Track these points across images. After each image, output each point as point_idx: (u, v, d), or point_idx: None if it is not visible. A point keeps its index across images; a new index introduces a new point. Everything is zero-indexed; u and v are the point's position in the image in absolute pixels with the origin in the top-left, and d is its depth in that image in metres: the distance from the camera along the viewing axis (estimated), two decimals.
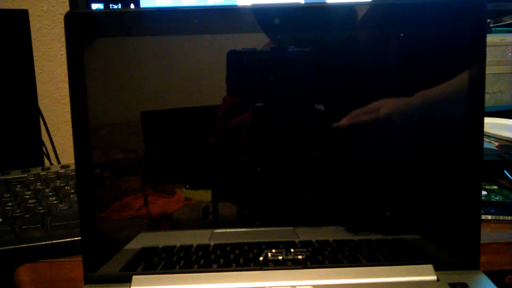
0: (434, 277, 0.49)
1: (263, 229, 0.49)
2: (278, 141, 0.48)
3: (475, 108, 0.47)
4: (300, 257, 0.50)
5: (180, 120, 0.47)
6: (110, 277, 0.48)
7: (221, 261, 0.49)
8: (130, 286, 0.47)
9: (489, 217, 0.58)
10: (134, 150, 0.47)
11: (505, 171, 0.67)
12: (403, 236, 0.49)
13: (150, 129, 0.47)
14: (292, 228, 0.50)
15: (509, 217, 0.57)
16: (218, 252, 0.49)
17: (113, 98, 0.47)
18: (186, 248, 0.49)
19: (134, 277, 0.48)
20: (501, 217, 0.57)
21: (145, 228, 0.49)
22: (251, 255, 0.49)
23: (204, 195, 0.49)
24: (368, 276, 0.49)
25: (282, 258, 0.50)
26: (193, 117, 0.47)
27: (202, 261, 0.49)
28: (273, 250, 0.49)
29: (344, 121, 0.47)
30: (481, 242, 0.49)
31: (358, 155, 0.48)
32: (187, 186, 0.48)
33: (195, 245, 0.49)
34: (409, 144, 0.48)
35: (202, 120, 0.47)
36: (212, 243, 0.49)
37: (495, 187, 0.66)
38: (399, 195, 0.49)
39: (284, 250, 0.50)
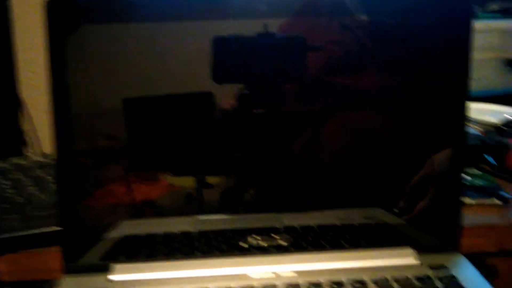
0: (414, 260, 0.49)
1: (246, 215, 0.49)
2: (263, 127, 0.47)
3: (460, 93, 0.47)
4: (283, 243, 0.50)
5: (163, 107, 0.47)
6: (90, 266, 0.47)
7: (204, 248, 0.49)
8: (110, 275, 0.47)
9: (471, 201, 0.58)
10: (117, 137, 0.47)
11: (486, 156, 0.67)
12: (384, 219, 0.49)
13: (132, 116, 0.46)
14: (275, 214, 0.49)
15: (491, 200, 0.57)
16: (201, 239, 0.49)
17: (95, 85, 0.46)
18: (168, 236, 0.49)
19: (114, 266, 0.47)
20: (483, 201, 0.58)
21: (127, 216, 0.49)
22: (234, 241, 0.49)
23: (188, 182, 0.48)
24: (350, 260, 0.49)
25: (265, 244, 0.49)
26: (176, 104, 0.47)
27: (184, 248, 0.49)
28: (257, 237, 0.49)
29: (331, 108, 0.47)
30: (462, 225, 0.49)
31: (342, 141, 0.48)
32: (170, 173, 0.48)
33: (178, 232, 0.49)
34: (391, 127, 0.48)
35: (185, 107, 0.47)
36: (195, 230, 0.49)
37: (478, 172, 0.66)
38: (383, 179, 0.49)
39: (267, 236, 0.49)
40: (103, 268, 0.47)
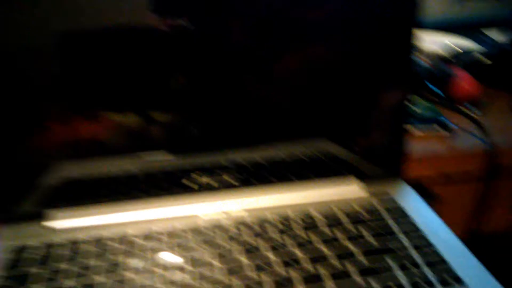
0: (361, 190, 0.49)
1: (192, 153, 0.47)
2: (207, 61, 0.44)
3: (407, 22, 0.46)
4: (231, 180, 0.49)
5: (101, 40, 0.43)
6: (26, 213, 0.45)
7: (149, 189, 0.47)
8: (49, 222, 0.44)
9: (416, 130, 0.58)
10: (52, 73, 0.43)
11: (429, 84, 0.68)
12: (330, 150, 0.49)
13: (68, 50, 0.42)
14: (222, 150, 0.48)
15: (435, 129, 0.58)
16: (146, 180, 0.47)
17: (27, 18, 0.42)
18: (110, 177, 0.46)
19: (53, 212, 0.45)
20: (427, 131, 0.58)
21: (66, 158, 0.46)
22: (180, 181, 0.48)
23: (131, 119, 0.45)
24: (298, 194, 0.49)
25: (213, 182, 0.48)
26: (116, 37, 0.43)
27: (128, 190, 0.47)
28: (204, 175, 0.48)
29: (276, 40, 0.44)
30: (406, 154, 0.50)
31: (286, 73, 0.46)
32: (112, 110, 0.45)
33: (120, 173, 0.47)
34: (336, 57, 0.46)
35: (125, 40, 0.43)
36: (139, 171, 0.47)
37: (423, 101, 0.66)
38: (327, 110, 0.48)
39: (214, 174, 0.48)
40: (41, 215, 0.45)
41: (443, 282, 0.37)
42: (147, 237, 0.43)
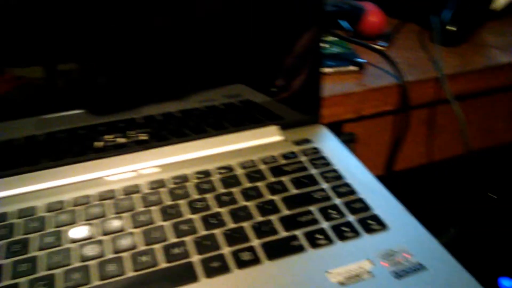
0: (279, 137, 0.49)
1: (99, 109, 0.43)
2: (111, 11, 0.40)
3: None
4: (142, 136, 0.46)
5: None
6: None
7: (53, 153, 0.43)
8: None
9: (329, 69, 0.58)
10: None
11: (340, 22, 0.67)
12: (246, 97, 0.47)
13: None
14: (132, 105, 0.44)
15: (347, 67, 0.58)
16: (49, 143, 0.43)
17: None
18: (8, 142, 0.42)
19: None
20: (339, 69, 0.58)
21: None
22: (88, 142, 0.44)
23: (33, 73, 0.40)
24: (216, 146, 0.47)
25: (123, 141, 0.45)
26: None
27: (29, 156, 0.43)
28: (113, 133, 0.45)
29: None
30: (320, 94, 0.49)
31: (197, 18, 0.43)
32: (12, 64, 0.39)
33: (20, 137, 0.42)
34: (246, 1, 0.44)
35: None
36: (41, 132, 0.42)
37: (333, 38, 0.66)
38: (242, 55, 0.46)
39: (125, 131, 0.45)
40: None
41: (365, 227, 0.37)
42: (53, 207, 0.40)
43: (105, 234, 0.37)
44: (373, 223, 0.37)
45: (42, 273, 0.34)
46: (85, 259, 0.35)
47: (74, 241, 0.36)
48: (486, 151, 0.66)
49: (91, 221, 0.38)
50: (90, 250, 0.35)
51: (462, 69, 0.58)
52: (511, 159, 0.80)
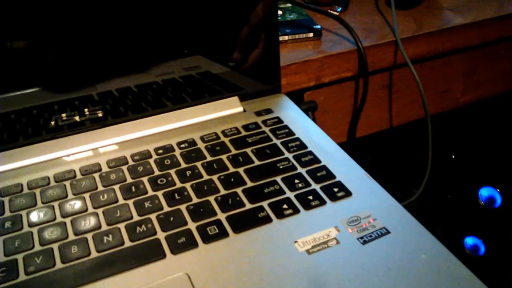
0: (240, 108, 0.48)
1: (53, 86, 0.42)
2: None
3: None
4: (99, 114, 0.44)
5: None
6: None
7: (5, 135, 0.41)
8: None
9: (286, 37, 0.57)
10: None
11: None
12: (205, 68, 0.46)
13: None
14: (86, 80, 0.43)
15: (304, 35, 0.57)
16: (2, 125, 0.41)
17: None
18: None
19: None
20: (297, 36, 0.57)
21: None
22: (42, 121, 0.42)
23: None
24: (176, 121, 0.46)
25: (80, 119, 0.44)
26: None
27: None
28: (67, 111, 0.43)
29: None
30: (279, 63, 0.49)
31: None
32: None
33: None
34: None
35: None
36: None
37: (288, 5, 0.65)
38: (198, 25, 0.45)
39: (79, 108, 0.43)
40: None
41: (330, 195, 0.37)
42: (10, 191, 0.38)
43: (66, 216, 0.36)
44: (337, 190, 0.37)
45: (3, 258, 0.33)
46: (46, 242, 0.34)
47: (34, 224, 0.35)
48: (445, 113, 0.68)
49: (50, 203, 0.37)
50: (51, 233, 0.34)
51: (417, 32, 0.58)
52: (469, 120, 0.83)
